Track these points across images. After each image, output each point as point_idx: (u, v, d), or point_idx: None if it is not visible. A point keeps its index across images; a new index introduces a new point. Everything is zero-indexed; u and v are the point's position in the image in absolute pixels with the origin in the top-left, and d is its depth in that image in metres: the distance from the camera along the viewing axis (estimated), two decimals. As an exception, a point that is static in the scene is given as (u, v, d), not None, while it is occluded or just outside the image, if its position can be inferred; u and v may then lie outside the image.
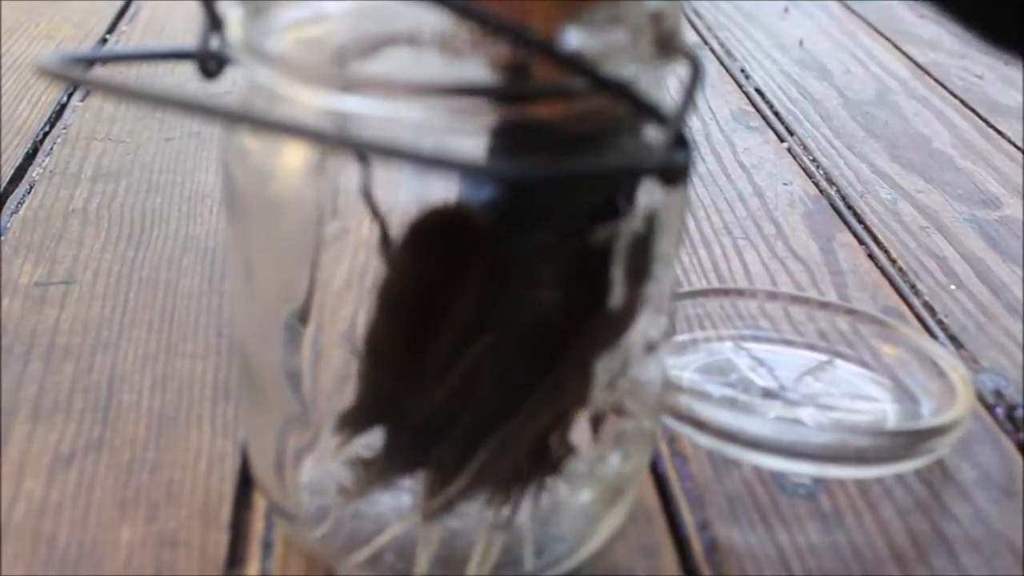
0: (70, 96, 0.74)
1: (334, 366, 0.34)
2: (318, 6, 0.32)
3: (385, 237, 0.30)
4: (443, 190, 0.30)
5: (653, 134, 0.30)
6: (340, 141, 0.27)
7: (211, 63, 0.33)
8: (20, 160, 0.65)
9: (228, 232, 0.35)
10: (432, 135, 0.29)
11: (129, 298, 0.51)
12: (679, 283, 0.54)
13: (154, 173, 0.64)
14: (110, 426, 0.42)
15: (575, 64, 0.27)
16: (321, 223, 0.32)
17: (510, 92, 0.28)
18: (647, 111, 0.28)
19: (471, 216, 0.29)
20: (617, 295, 0.31)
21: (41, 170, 0.64)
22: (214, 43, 0.33)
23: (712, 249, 0.58)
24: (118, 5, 0.93)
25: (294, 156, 0.31)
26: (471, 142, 0.29)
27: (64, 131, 0.69)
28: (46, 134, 0.68)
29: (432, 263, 0.29)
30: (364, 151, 0.27)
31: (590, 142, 0.29)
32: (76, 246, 0.56)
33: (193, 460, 0.41)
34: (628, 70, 0.29)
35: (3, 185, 0.62)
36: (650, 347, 0.34)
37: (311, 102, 0.29)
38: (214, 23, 0.33)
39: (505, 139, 0.29)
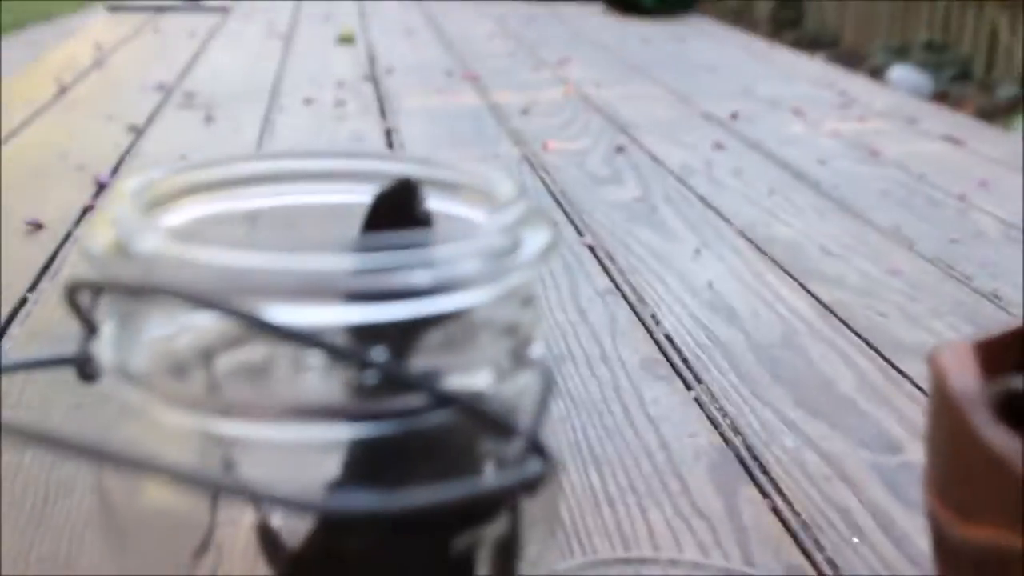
0: (-18, 361, 0.74)
1: None
2: (183, 321, 0.32)
3: (271, 548, 0.31)
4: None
5: (506, 444, 0.31)
6: (202, 481, 0.27)
7: (90, 367, 0.34)
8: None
9: (106, 544, 0.35)
10: (296, 453, 0.30)
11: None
12: (583, 549, 0.54)
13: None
14: None
15: (416, 382, 0.28)
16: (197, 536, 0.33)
17: (358, 412, 0.29)
18: (496, 425, 0.29)
19: (335, 541, 0.29)
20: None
21: (-55, 442, 0.63)
22: (91, 348, 0.33)
23: (616, 509, 0.58)
24: (42, 261, 0.94)
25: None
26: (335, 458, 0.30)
27: (-28, 399, 0.69)
28: (-46, 403, 0.68)
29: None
30: (226, 492, 0.28)
31: (450, 457, 0.30)
32: (-26, 525, 0.55)
33: None
34: (484, 382, 0.30)
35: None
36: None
37: (178, 423, 0.30)
38: (90, 329, 0.33)
39: (366, 457, 0.30)
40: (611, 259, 0.99)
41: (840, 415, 0.70)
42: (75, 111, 1.63)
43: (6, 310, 0.83)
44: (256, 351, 0.32)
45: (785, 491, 0.61)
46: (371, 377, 0.28)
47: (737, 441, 0.66)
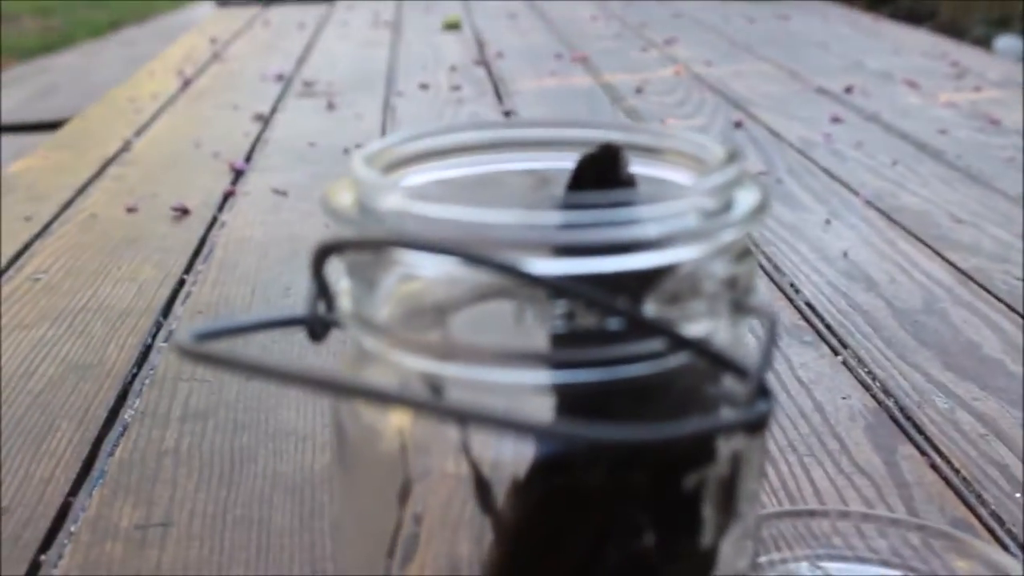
0: (154, 338, 0.78)
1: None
2: (418, 274, 0.35)
3: (484, 492, 0.33)
4: (533, 448, 0.32)
5: (733, 385, 0.33)
6: (438, 409, 0.30)
7: (319, 328, 0.37)
8: (112, 402, 0.68)
9: (337, 483, 0.38)
10: (522, 396, 0.32)
11: (224, 538, 0.54)
12: (751, 503, 0.55)
13: (239, 412, 0.67)
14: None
15: (658, 327, 0.30)
16: (419, 476, 0.35)
17: (591, 358, 0.31)
18: (727, 366, 0.31)
19: (578, 477, 0.31)
20: (707, 534, 0.33)
21: (133, 412, 0.67)
22: (320, 309, 0.36)
23: (780, 468, 0.60)
24: (194, 244, 0.98)
25: (401, 417, 0.34)
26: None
27: (151, 372, 0.72)
28: (135, 376, 0.72)
29: (542, 521, 0.32)
30: (461, 418, 0.30)
31: (677, 401, 0.32)
32: (171, 487, 0.59)
33: None
34: (707, 329, 0.32)
35: (99, 427, 0.65)
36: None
37: (413, 367, 0.32)
38: (322, 292, 0.36)
39: (597, 401, 0.32)
40: (743, 231, 1.00)
41: (989, 377, 0.71)
42: (201, 102, 1.68)
43: (167, 291, 0.87)
44: (486, 303, 0.35)
45: (943, 449, 0.62)
46: (615, 323, 0.31)
47: (890, 403, 0.67)
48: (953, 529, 0.51)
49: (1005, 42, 3.43)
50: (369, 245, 0.33)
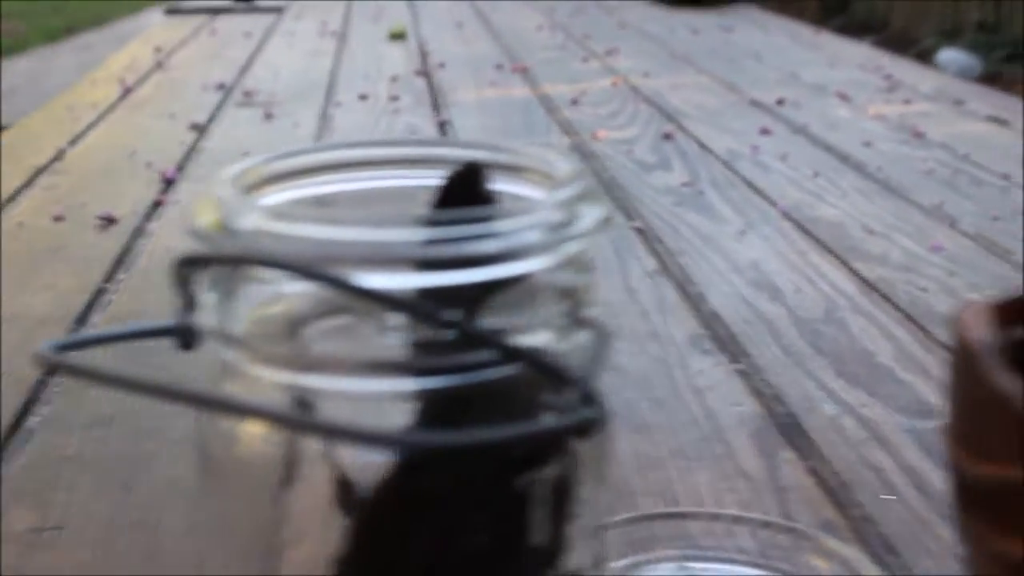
0: (68, 345, 0.79)
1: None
2: (276, 290, 0.37)
3: (346, 494, 0.35)
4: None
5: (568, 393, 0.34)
6: (289, 421, 0.31)
7: (189, 337, 0.38)
8: (19, 409, 0.69)
9: (205, 490, 0.39)
10: (375, 403, 0.34)
11: (117, 542, 0.55)
12: (631, 508, 0.57)
13: (143, 419, 0.68)
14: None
15: (487, 339, 0.32)
16: (285, 478, 0.37)
17: (432, 367, 0.33)
18: (555, 376, 0.33)
19: (417, 479, 0.33)
20: (543, 533, 0.35)
21: (39, 418, 0.68)
22: (189, 319, 0.38)
23: (666, 472, 0.62)
24: (115, 252, 0.99)
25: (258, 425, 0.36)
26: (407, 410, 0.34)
27: (61, 380, 0.74)
28: (42, 383, 0.73)
29: (383, 521, 0.34)
30: (311, 431, 0.32)
31: (513, 407, 0.34)
32: (69, 492, 0.60)
33: None
34: (546, 340, 0.34)
35: (3, 433, 0.66)
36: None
37: (270, 378, 0.34)
38: (189, 303, 0.38)
39: (437, 407, 0.34)
40: (659, 241, 1.03)
41: (879, 384, 0.73)
42: (140, 111, 1.69)
43: (85, 300, 0.88)
44: (341, 316, 0.36)
45: (824, 453, 0.64)
46: (447, 335, 0.32)
47: (780, 409, 0.70)
48: (819, 532, 0.53)
49: (947, 55, 3.48)
50: (222, 261, 0.35)
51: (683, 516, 0.54)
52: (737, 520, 0.54)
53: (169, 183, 1.25)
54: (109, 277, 0.94)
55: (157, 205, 1.16)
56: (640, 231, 1.06)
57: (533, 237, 0.33)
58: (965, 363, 0.37)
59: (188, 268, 0.34)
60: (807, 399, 0.71)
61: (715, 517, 0.54)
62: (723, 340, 0.80)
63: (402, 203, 0.41)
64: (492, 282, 0.33)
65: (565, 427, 0.33)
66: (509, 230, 0.33)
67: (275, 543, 0.39)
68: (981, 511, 0.37)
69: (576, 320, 0.36)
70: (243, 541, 0.39)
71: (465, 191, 0.37)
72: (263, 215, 0.34)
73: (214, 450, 0.37)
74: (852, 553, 0.51)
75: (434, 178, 0.37)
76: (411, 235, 0.32)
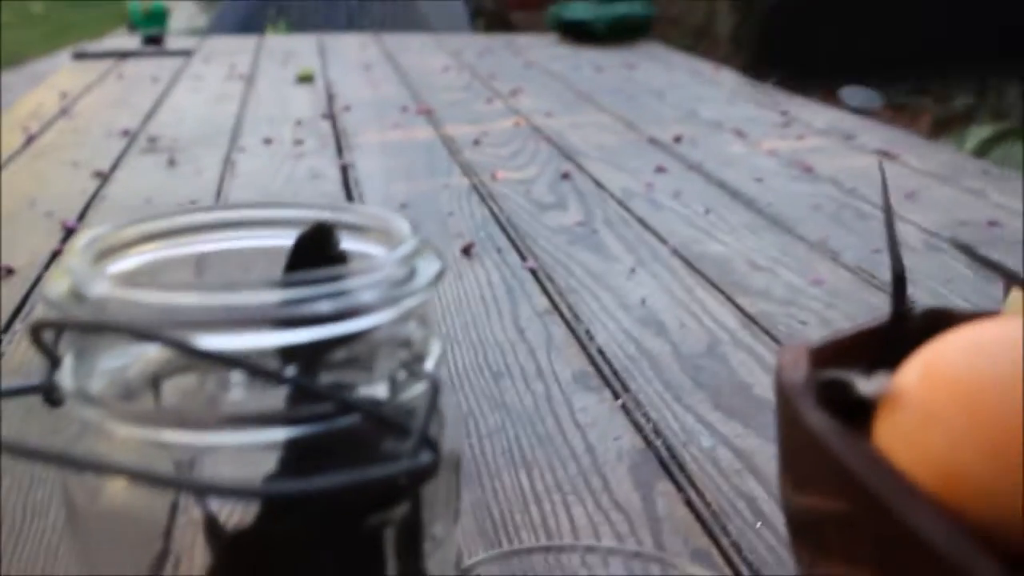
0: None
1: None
2: (132, 352, 0.38)
3: (214, 534, 0.37)
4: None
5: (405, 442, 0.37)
6: (147, 477, 0.33)
7: (55, 395, 0.40)
8: (-90, 466, 0.70)
9: (73, 547, 0.41)
10: (226, 455, 0.36)
11: (4, 593, 0.56)
12: (512, 542, 0.60)
13: (37, 468, 0.69)
14: None
15: (326, 393, 0.34)
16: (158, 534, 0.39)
17: (276, 419, 0.35)
18: (391, 426, 0.35)
19: (273, 528, 0.35)
20: (393, 570, 0.37)
21: (-71, 474, 0.69)
22: (55, 378, 0.39)
23: (543, 506, 0.64)
24: (12, 303, 1.00)
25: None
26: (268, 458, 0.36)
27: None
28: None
29: (248, 567, 0.36)
30: (167, 486, 0.34)
31: (358, 454, 0.36)
32: (-42, 546, 0.61)
33: None
34: (384, 390, 0.36)
35: None
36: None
37: (125, 434, 0.36)
38: (53, 362, 0.40)
39: (292, 455, 0.36)
40: (551, 280, 1.06)
41: (754, 415, 0.76)
42: (43, 159, 1.69)
43: (-19, 352, 0.89)
44: (193, 375, 0.38)
45: (699, 484, 0.67)
46: (285, 391, 0.35)
47: (658, 443, 0.72)
48: (687, 561, 0.56)
49: (850, 89, 3.58)
50: (71, 327, 0.37)
51: (560, 549, 0.56)
52: (611, 552, 0.57)
53: (70, 232, 1.25)
54: (6, 328, 0.95)
55: (56, 255, 1.17)
56: (533, 271, 1.09)
57: (371, 295, 0.35)
58: (784, 402, 0.40)
59: (37, 332, 0.36)
60: (685, 432, 0.74)
61: (590, 549, 0.57)
62: (607, 376, 0.83)
63: (257, 263, 0.43)
64: (331, 339, 0.36)
65: (399, 472, 0.36)
66: (350, 289, 0.35)
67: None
68: (807, 538, 0.40)
69: (414, 372, 0.38)
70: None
71: (316, 251, 0.39)
72: (111, 282, 0.35)
73: (81, 509, 0.39)
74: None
75: (284, 238, 0.39)
76: (254, 298, 0.34)
